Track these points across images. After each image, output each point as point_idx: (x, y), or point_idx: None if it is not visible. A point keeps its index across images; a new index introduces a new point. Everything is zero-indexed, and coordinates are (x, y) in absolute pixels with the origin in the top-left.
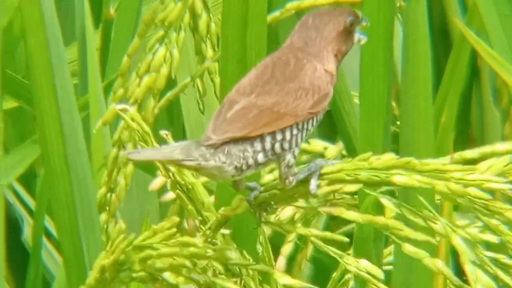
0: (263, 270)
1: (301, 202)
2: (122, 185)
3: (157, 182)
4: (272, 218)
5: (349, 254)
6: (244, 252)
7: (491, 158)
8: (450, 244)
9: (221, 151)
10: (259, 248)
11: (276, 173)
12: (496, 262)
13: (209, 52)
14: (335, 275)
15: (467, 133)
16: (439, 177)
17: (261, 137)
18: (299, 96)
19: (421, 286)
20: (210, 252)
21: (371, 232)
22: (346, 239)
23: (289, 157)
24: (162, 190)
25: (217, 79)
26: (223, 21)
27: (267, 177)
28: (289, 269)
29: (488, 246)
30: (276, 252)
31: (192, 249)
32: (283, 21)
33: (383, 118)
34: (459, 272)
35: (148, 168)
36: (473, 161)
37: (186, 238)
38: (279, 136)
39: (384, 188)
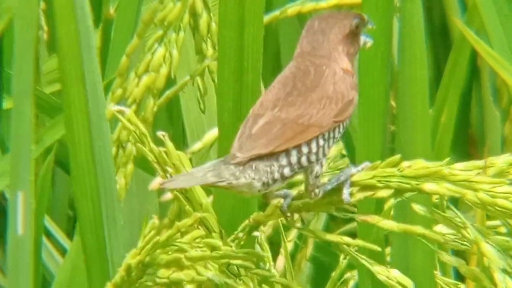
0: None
1: (333, 210)
2: (122, 185)
3: (157, 182)
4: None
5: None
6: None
7: None
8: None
9: (249, 168)
10: (259, 248)
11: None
12: None
13: (210, 52)
14: (334, 274)
15: (467, 133)
16: (468, 187)
17: (287, 151)
18: (323, 106)
19: (421, 286)
20: (240, 254)
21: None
22: (379, 249)
23: (317, 168)
24: (162, 189)
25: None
26: (220, 22)
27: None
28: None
29: None
30: (276, 252)
31: (222, 252)
32: (283, 21)
33: (383, 117)
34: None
35: (148, 168)
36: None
37: (212, 240)
38: (305, 150)
39: (383, 192)
